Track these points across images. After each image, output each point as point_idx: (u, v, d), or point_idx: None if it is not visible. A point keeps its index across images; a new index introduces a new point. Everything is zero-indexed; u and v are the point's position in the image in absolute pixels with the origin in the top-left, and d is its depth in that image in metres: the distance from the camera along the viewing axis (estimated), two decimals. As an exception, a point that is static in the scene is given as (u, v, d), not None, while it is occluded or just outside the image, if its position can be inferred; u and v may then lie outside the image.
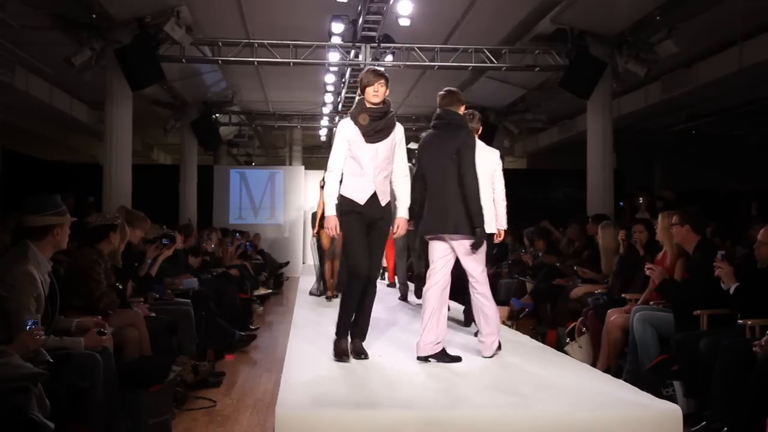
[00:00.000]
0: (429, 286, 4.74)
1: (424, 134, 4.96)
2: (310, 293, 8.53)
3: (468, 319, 5.98)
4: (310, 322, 6.25)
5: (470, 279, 4.75)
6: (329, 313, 6.09)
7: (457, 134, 4.71)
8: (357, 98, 5.09)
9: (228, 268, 9.79)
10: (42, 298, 3.72)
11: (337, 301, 5.97)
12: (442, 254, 4.77)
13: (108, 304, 4.79)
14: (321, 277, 8.32)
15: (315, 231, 8.11)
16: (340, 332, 4.72)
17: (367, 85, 4.62)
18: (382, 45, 10.83)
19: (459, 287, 5.21)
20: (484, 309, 4.75)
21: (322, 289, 8.24)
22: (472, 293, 4.80)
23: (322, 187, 5.36)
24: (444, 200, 4.68)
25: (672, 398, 4.67)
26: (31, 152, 16.61)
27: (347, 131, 4.69)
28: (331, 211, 4.68)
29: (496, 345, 4.84)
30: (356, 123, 4.66)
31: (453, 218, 4.63)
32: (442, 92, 4.94)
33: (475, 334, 5.10)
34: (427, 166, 4.80)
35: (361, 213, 4.68)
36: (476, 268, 4.73)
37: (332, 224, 4.69)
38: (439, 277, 4.75)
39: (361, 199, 4.69)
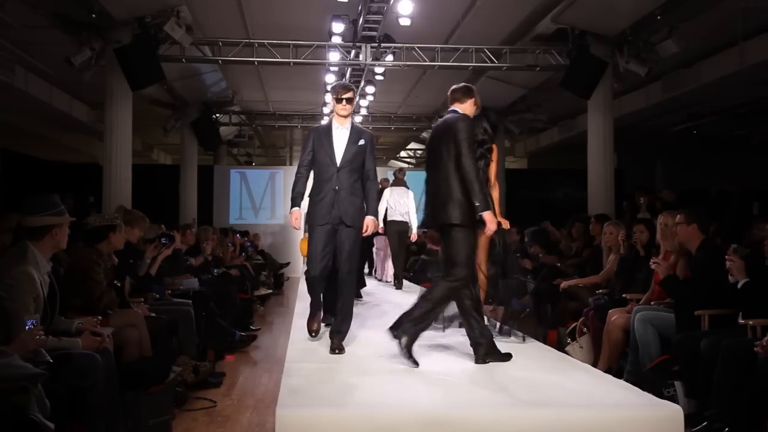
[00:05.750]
0: None
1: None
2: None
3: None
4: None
5: None
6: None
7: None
8: None
9: (228, 269, 9.78)
10: (41, 298, 3.71)
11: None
12: None
13: (108, 304, 4.79)
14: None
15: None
16: None
17: None
18: (382, 45, 10.84)
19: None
20: None
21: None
22: None
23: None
24: None
25: (673, 398, 4.66)
26: (31, 152, 16.60)
27: None
28: None
29: None
30: None
31: None
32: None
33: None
34: None
35: None
36: None
37: None
38: None
39: None
